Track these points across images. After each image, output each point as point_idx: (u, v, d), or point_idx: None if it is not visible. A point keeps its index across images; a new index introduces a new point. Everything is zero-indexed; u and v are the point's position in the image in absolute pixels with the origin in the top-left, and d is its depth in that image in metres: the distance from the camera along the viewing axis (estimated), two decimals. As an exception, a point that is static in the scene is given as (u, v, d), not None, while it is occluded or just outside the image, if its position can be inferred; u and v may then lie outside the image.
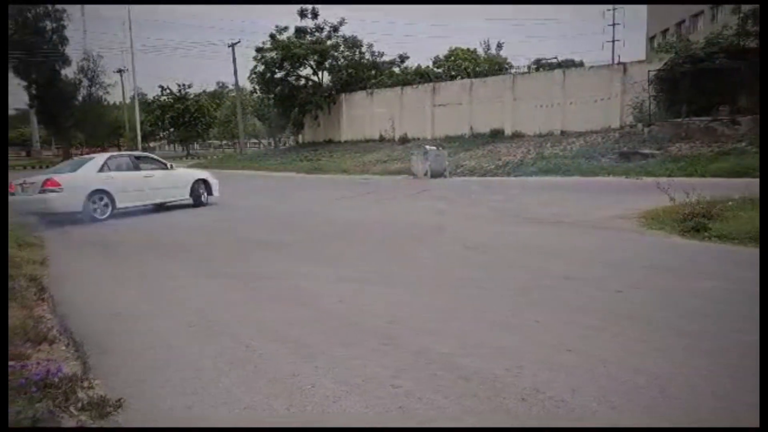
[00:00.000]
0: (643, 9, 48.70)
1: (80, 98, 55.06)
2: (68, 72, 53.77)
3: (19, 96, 56.15)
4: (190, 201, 15.53)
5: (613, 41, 56.59)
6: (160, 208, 15.18)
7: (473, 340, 4.46)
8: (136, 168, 14.60)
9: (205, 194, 15.90)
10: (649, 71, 24.11)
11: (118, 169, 14.15)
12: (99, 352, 4.47)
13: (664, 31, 43.38)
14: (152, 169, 14.99)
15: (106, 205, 13.46)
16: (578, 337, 4.45)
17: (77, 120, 54.39)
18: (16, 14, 48.75)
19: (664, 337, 4.42)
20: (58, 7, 50.97)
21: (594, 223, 9.97)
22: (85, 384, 3.76)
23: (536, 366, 3.91)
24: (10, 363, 3.86)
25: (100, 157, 14.75)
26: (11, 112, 77.10)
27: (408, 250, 8.50)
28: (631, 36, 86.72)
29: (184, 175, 15.98)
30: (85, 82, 55.18)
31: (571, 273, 6.53)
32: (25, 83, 51.27)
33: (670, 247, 7.99)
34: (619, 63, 29.74)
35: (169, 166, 15.60)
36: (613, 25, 56.70)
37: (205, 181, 16.00)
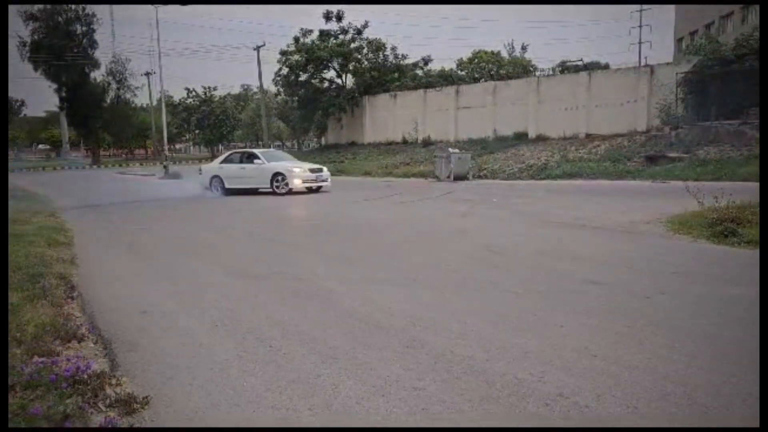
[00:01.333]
0: (670, 10, 48.07)
1: (108, 100, 56.09)
2: (97, 75, 54.89)
3: (49, 98, 57.46)
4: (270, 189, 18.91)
5: (640, 43, 55.87)
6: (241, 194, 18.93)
7: (496, 344, 4.44)
8: (240, 162, 19.91)
9: (282, 185, 18.66)
10: (677, 73, 23.80)
11: (230, 162, 20.06)
12: (127, 349, 4.55)
13: (693, 33, 42.70)
14: (251, 163, 19.53)
15: (220, 186, 19.34)
16: (604, 342, 4.41)
17: (105, 122, 55.45)
18: (47, 18, 49.83)
19: (692, 343, 4.36)
20: (88, 11, 52.00)
21: (620, 227, 9.86)
22: (113, 381, 3.83)
23: (560, 371, 3.88)
24: (41, 359, 3.94)
25: (225, 153, 22.31)
26: (41, 114, 78.95)
27: (431, 252, 8.49)
28: (658, 38, 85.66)
29: (268, 168, 19.12)
30: (114, 85, 56.24)
31: (596, 277, 6.47)
32: (55, 86, 52.32)
33: (698, 252, 7.87)
34: (645, 65, 29.42)
35: (262, 160, 19.40)
36: (640, 26, 55.98)
37: (281, 174, 18.77)
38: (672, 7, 47.19)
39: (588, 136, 26.93)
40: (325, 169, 19.89)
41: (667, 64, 27.14)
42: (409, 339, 4.59)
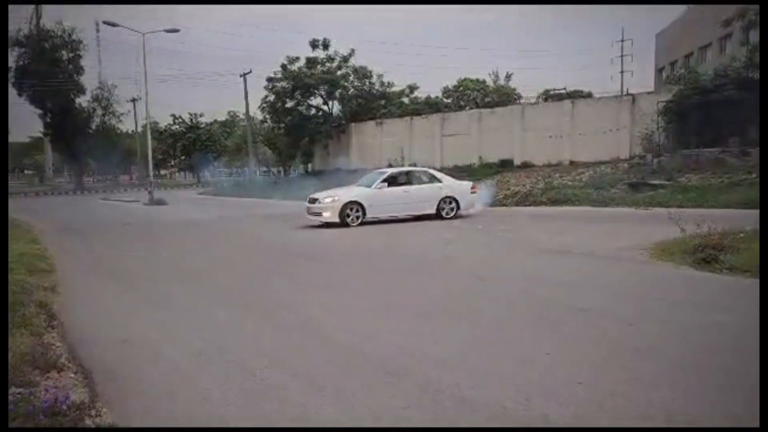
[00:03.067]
0: (651, 40, 49.11)
1: (94, 126, 55.84)
2: (83, 101, 54.67)
3: (34, 124, 57.25)
4: None
5: (622, 72, 56.97)
6: None
7: (482, 372, 4.42)
8: None
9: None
10: (658, 102, 24.19)
11: None
12: (107, 379, 4.47)
13: (673, 63, 43.57)
14: None
15: None
16: (588, 369, 4.41)
17: (90, 148, 55.07)
18: (33, 44, 49.76)
19: (675, 370, 4.37)
20: (75, 37, 52.02)
21: (604, 254, 9.92)
22: (93, 412, 3.76)
23: (546, 398, 3.87)
24: (18, 390, 3.86)
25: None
26: (25, 139, 78.44)
27: (417, 280, 8.48)
28: (639, 68, 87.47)
29: None
30: (99, 111, 56.03)
31: (581, 304, 6.48)
32: (40, 112, 52.07)
33: (680, 278, 7.92)
34: (627, 94, 29.94)
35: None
36: (622, 56, 57.14)
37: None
38: (653, 37, 48.25)
39: (572, 163, 27.20)
40: (332, 198, 15.98)
41: (648, 93, 27.62)
42: (395, 367, 4.56)
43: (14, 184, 65.57)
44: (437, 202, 16.61)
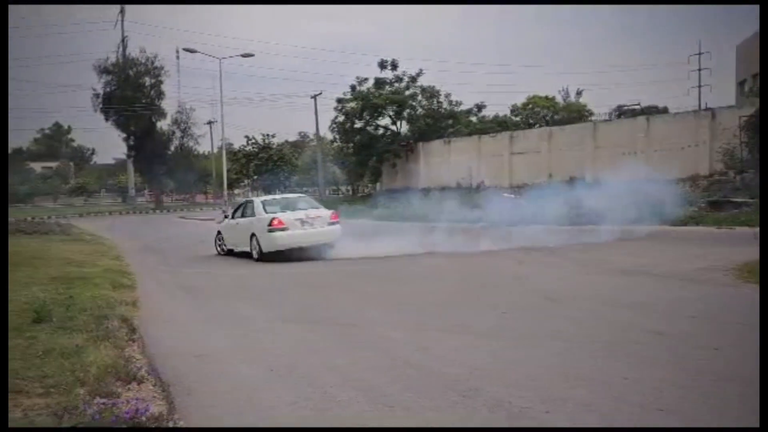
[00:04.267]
0: (731, 53, 47.07)
1: (172, 148, 58.40)
2: (163, 124, 57.37)
3: (119, 147, 60.47)
4: None
5: (699, 86, 54.59)
6: None
7: (556, 395, 4.29)
8: None
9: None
10: (740, 117, 23.11)
11: None
12: (184, 393, 4.61)
13: (755, 75, 41.59)
14: None
15: None
16: (670, 396, 4.21)
17: (169, 168, 57.60)
18: (119, 71, 52.75)
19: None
20: (157, 64, 54.75)
21: (684, 275, 9.48)
22: (170, 424, 3.88)
23: (625, 425, 3.72)
24: (102, 401, 4.04)
25: None
26: (111, 161, 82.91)
27: (487, 300, 8.35)
28: (718, 81, 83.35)
29: None
30: (178, 133, 58.56)
31: (660, 328, 6.21)
32: (124, 135, 54.97)
33: (769, 302, 7.46)
34: (706, 109, 28.74)
35: None
36: (699, 70, 54.87)
37: None
38: (732, 49, 46.23)
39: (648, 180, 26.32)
40: None
41: (729, 107, 26.45)
42: (465, 388, 4.49)
43: (100, 203, 69.35)
44: (249, 240, 14.08)
